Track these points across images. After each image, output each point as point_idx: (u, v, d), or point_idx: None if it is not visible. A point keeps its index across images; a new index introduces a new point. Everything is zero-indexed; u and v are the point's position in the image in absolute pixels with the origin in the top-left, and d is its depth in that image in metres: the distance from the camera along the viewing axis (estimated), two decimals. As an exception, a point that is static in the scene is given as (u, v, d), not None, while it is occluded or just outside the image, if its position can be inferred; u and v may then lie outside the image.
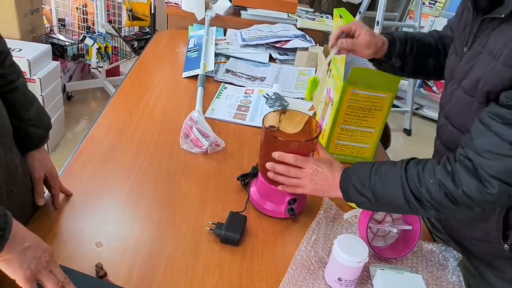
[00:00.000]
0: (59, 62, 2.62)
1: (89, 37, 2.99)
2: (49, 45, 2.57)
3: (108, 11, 3.13)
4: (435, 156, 1.00)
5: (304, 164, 0.92)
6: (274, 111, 1.01)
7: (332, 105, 1.19)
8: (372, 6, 3.48)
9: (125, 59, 3.23)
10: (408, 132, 3.52)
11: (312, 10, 2.51)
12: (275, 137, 0.93)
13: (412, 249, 0.93)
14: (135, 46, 3.25)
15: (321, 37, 2.13)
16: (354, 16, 2.76)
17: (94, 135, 1.21)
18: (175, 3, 2.18)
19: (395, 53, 1.01)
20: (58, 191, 0.94)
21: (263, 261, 0.89)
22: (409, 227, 0.95)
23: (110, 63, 3.17)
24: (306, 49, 1.88)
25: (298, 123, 1.02)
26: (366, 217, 0.91)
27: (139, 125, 1.28)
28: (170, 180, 1.08)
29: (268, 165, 0.94)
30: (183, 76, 1.63)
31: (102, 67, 3.12)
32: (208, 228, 0.93)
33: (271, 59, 1.91)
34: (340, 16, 1.14)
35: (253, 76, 1.73)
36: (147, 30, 3.39)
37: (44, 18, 3.05)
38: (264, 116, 0.96)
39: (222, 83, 1.63)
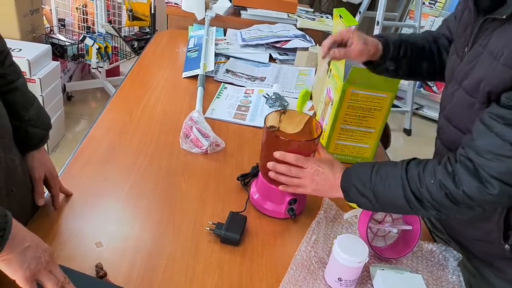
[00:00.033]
0: (59, 62, 2.62)
1: (89, 37, 2.99)
2: (49, 45, 2.57)
3: (108, 11, 3.13)
4: (436, 156, 1.00)
5: (305, 164, 0.92)
6: (275, 111, 1.01)
7: (332, 105, 1.19)
8: (372, 6, 3.48)
9: (125, 59, 3.23)
10: (408, 132, 3.52)
11: (312, 10, 2.51)
12: (276, 136, 0.93)
13: (412, 249, 0.93)
14: (135, 46, 3.25)
15: (321, 37, 2.13)
16: (354, 16, 2.76)
17: (94, 135, 1.21)
18: (175, 3, 2.18)
19: (389, 56, 1.00)
20: (58, 191, 0.94)
21: (263, 261, 0.89)
22: (409, 227, 0.95)
23: (110, 63, 3.17)
24: (306, 49, 1.88)
25: (298, 123, 1.02)
26: (366, 217, 0.91)
27: (139, 125, 1.28)
28: (170, 180, 1.08)
29: (270, 164, 0.94)
30: (183, 76, 1.63)
31: (102, 67, 3.12)
32: (208, 228, 0.93)
33: (271, 59, 1.91)
34: (340, 16, 1.14)
35: (253, 76, 1.73)
36: (147, 30, 3.39)
37: (44, 18, 3.05)
38: (266, 116, 0.96)
39: (222, 83, 1.63)
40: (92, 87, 3.31)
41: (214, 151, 1.21)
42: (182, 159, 1.16)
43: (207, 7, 2.13)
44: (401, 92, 3.56)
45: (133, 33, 3.41)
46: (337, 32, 1.00)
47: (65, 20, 3.27)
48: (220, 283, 0.83)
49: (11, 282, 0.65)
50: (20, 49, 2.36)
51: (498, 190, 0.72)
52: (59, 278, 0.68)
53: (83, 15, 3.18)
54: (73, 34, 3.25)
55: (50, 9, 3.24)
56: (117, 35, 3.07)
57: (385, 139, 1.71)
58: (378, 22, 3.09)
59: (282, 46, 1.94)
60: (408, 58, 1.02)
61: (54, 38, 2.98)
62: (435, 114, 3.63)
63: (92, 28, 3.18)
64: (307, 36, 2.02)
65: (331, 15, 2.25)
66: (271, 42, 1.96)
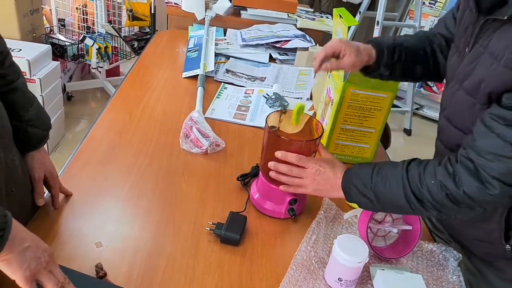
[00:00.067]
0: (59, 62, 2.61)
1: (89, 37, 2.99)
2: (49, 45, 2.57)
3: (108, 11, 3.13)
4: (436, 156, 1.00)
5: (306, 164, 0.92)
6: (276, 111, 1.01)
7: (332, 105, 1.19)
8: (372, 6, 3.47)
9: (125, 59, 3.23)
10: (408, 132, 3.52)
11: (312, 10, 2.51)
12: (278, 136, 0.93)
13: (412, 249, 0.93)
14: (135, 46, 3.24)
15: (321, 37, 2.13)
16: (354, 16, 2.76)
17: (94, 135, 1.21)
18: (175, 3, 2.18)
19: (383, 62, 1.00)
20: (58, 191, 0.94)
21: (263, 261, 0.89)
22: (409, 227, 0.95)
23: (110, 63, 3.16)
24: (306, 49, 1.88)
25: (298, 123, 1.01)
26: (366, 217, 0.91)
27: (139, 125, 1.28)
28: (170, 180, 1.08)
29: (271, 164, 0.94)
30: (183, 76, 1.63)
31: (102, 67, 3.12)
32: (208, 228, 0.93)
33: (271, 59, 1.91)
34: (340, 16, 1.14)
35: (253, 76, 1.73)
36: (147, 30, 3.39)
37: (44, 18, 3.05)
38: (267, 116, 0.96)
39: (222, 83, 1.63)
40: (92, 87, 3.31)
41: (214, 151, 1.21)
42: (182, 159, 1.16)
43: (207, 7, 2.13)
44: (401, 92, 3.56)
45: (133, 33, 3.41)
46: (328, 44, 1.00)
47: (65, 20, 3.27)
48: (220, 283, 0.83)
49: (11, 282, 0.65)
50: (20, 49, 2.36)
51: (499, 190, 0.73)
52: (59, 278, 0.68)
53: (83, 15, 3.18)
54: (73, 34, 3.24)
55: (50, 9, 3.24)
56: (117, 35, 3.07)
57: (385, 139, 1.71)
58: (378, 22, 3.09)
59: (282, 46, 1.94)
60: (402, 63, 1.02)
61: (54, 38, 2.98)
62: (435, 114, 3.63)
63: (92, 28, 3.18)
64: (307, 36, 2.02)
65: (331, 15, 2.25)
66: (271, 42, 1.96)
